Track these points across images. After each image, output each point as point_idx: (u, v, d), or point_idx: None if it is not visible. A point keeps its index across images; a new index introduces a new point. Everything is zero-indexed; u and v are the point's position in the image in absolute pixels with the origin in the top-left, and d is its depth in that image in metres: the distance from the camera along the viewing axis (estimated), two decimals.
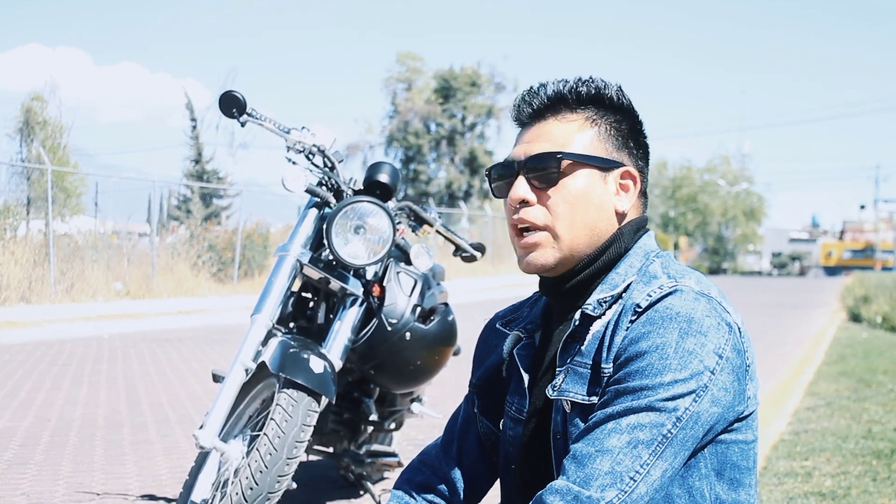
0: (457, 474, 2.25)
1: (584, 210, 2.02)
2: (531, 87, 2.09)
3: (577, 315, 2.00)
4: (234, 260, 25.57)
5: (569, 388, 1.97)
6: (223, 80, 45.15)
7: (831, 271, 78.78)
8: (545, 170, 2.01)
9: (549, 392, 2.00)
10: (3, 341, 13.75)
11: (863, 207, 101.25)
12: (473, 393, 2.29)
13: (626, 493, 1.81)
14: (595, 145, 2.04)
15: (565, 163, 2.00)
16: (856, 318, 20.04)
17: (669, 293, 1.91)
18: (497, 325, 2.26)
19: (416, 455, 2.34)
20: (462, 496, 2.23)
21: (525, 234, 2.03)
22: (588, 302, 2.00)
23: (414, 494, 2.23)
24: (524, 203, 2.02)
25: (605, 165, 2.03)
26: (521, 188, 2.02)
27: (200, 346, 13.52)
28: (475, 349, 2.35)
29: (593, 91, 2.05)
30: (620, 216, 2.06)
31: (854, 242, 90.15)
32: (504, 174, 2.08)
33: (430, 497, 2.23)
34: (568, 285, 2.05)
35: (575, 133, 2.03)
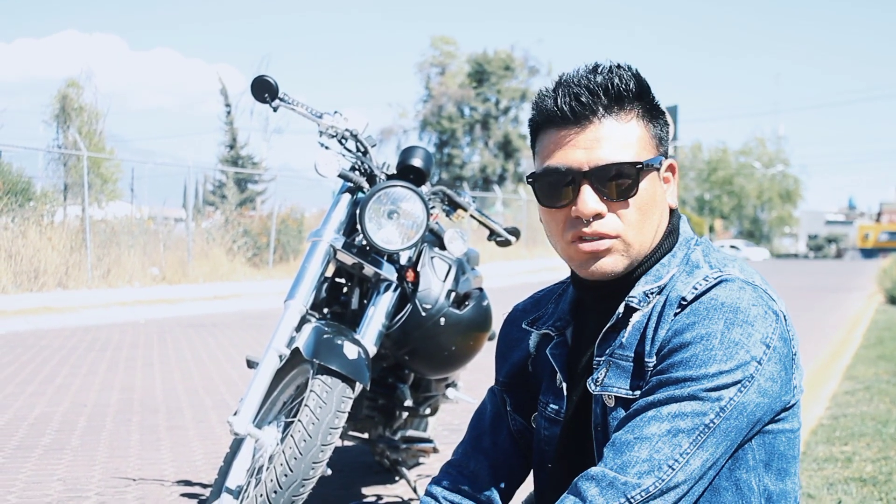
0: (487, 468, 2.19)
1: (651, 214, 1.94)
2: (568, 80, 1.94)
3: (622, 308, 1.95)
4: (268, 245, 25.65)
5: (612, 383, 1.93)
6: (257, 65, 45.13)
7: (868, 253, 78.23)
8: (621, 180, 1.90)
9: (591, 387, 1.96)
10: (40, 327, 13.85)
11: None
12: (502, 391, 2.24)
13: (663, 480, 1.77)
14: (649, 143, 1.95)
15: (640, 171, 1.91)
16: (894, 300, 19.84)
17: (715, 284, 1.86)
18: (523, 325, 2.20)
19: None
20: (493, 489, 2.18)
21: (589, 240, 1.92)
22: (633, 294, 1.94)
23: (441, 499, 2.18)
24: (597, 215, 1.91)
25: (659, 164, 1.96)
26: (592, 200, 1.89)
27: (236, 331, 13.56)
28: (497, 345, 2.29)
29: (636, 82, 1.94)
30: (670, 210, 2.02)
31: (891, 224, 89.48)
32: (560, 182, 1.93)
33: (457, 499, 2.17)
34: (617, 285, 1.98)
35: (634, 134, 1.93)
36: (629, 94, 1.93)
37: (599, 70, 1.95)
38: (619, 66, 1.96)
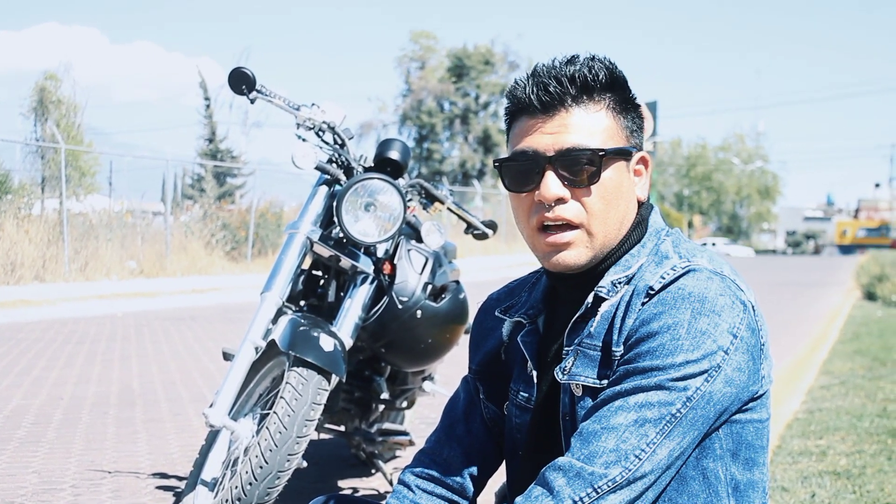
0: (460, 456, 2.19)
1: (616, 204, 1.95)
2: (539, 70, 1.97)
3: (591, 298, 1.96)
4: (247, 238, 25.60)
5: (579, 372, 1.94)
6: (237, 58, 45.07)
7: (846, 250, 78.68)
8: (582, 166, 1.91)
9: (559, 375, 1.97)
10: (17, 319, 13.79)
11: (878, 186, 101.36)
12: (475, 379, 2.24)
13: (630, 470, 1.78)
14: (618, 133, 1.96)
15: (603, 158, 1.92)
16: (871, 296, 19.98)
17: (683, 274, 1.87)
18: (496, 313, 2.21)
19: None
20: (466, 477, 2.18)
21: (553, 230, 1.94)
22: (602, 284, 1.95)
23: (413, 487, 2.18)
24: (559, 200, 1.92)
25: (628, 155, 1.97)
26: (555, 185, 1.91)
27: (213, 325, 13.53)
28: (471, 334, 2.30)
29: (608, 74, 1.95)
30: (639, 202, 2.03)
31: (869, 221, 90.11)
32: (525, 167, 1.95)
33: (430, 486, 2.17)
34: (588, 275, 1.99)
35: (601, 123, 1.94)
36: (598, 84, 1.94)
37: (573, 61, 1.96)
38: (593, 58, 1.97)
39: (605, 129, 1.94)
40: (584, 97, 1.94)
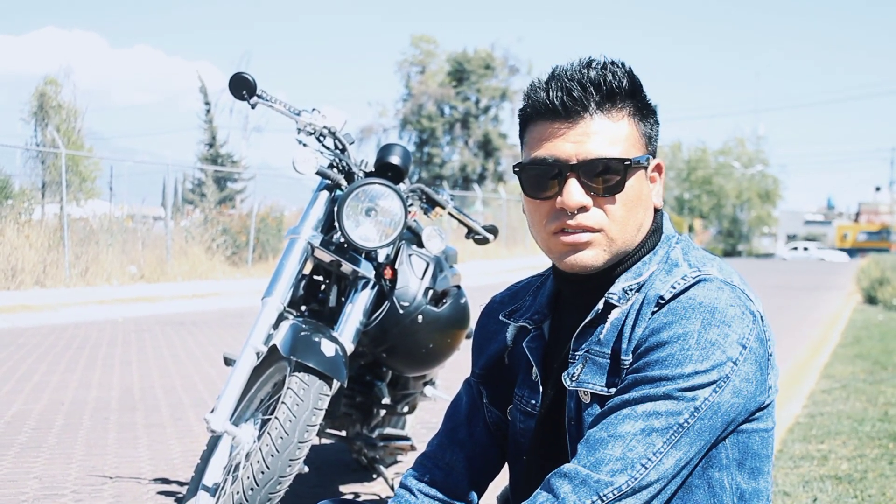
0: (462, 460, 2.19)
1: (636, 211, 1.95)
2: (561, 74, 1.94)
3: (601, 304, 1.95)
4: (248, 243, 25.59)
5: (587, 379, 1.93)
6: (237, 62, 45.13)
7: (847, 253, 78.60)
8: (608, 175, 1.90)
9: (567, 382, 1.96)
10: (17, 325, 13.78)
11: (878, 189, 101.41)
12: (479, 383, 2.23)
13: (636, 479, 1.77)
14: (638, 141, 1.95)
15: (627, 168, 1.91)
16: (871, 300, 19.97)
17: (693, 283, 1.87)
18: (500, 317, 2.20)
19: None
20: (468, 481, 2.18)
21: (571, 232, 1.93)
22: (613, 291, 1.94)
23: (415, 491, 2.17)
24: (582, 208, 1.91)
25: (647, 162, 1.96)
26: (578, 193, 1.90)
27: (214, 330, 13.52)
28: (474, 337, 2.29)
29: (629, 79, 1.93)
30: (654, 208, 2.03)
31: (869, 224, 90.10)
32: (546, 173, 1.93)
33: (431, 491, 2.16)
34: (598, 280, 1.98)
35: (623, 131, 1.93)
36: (622, 91, 1.92)
37: (593, 65, 1.94)
38: (612, 63, 1.95)
39: (627, 138, 1.93)
40: (607, 104, 1.92)
